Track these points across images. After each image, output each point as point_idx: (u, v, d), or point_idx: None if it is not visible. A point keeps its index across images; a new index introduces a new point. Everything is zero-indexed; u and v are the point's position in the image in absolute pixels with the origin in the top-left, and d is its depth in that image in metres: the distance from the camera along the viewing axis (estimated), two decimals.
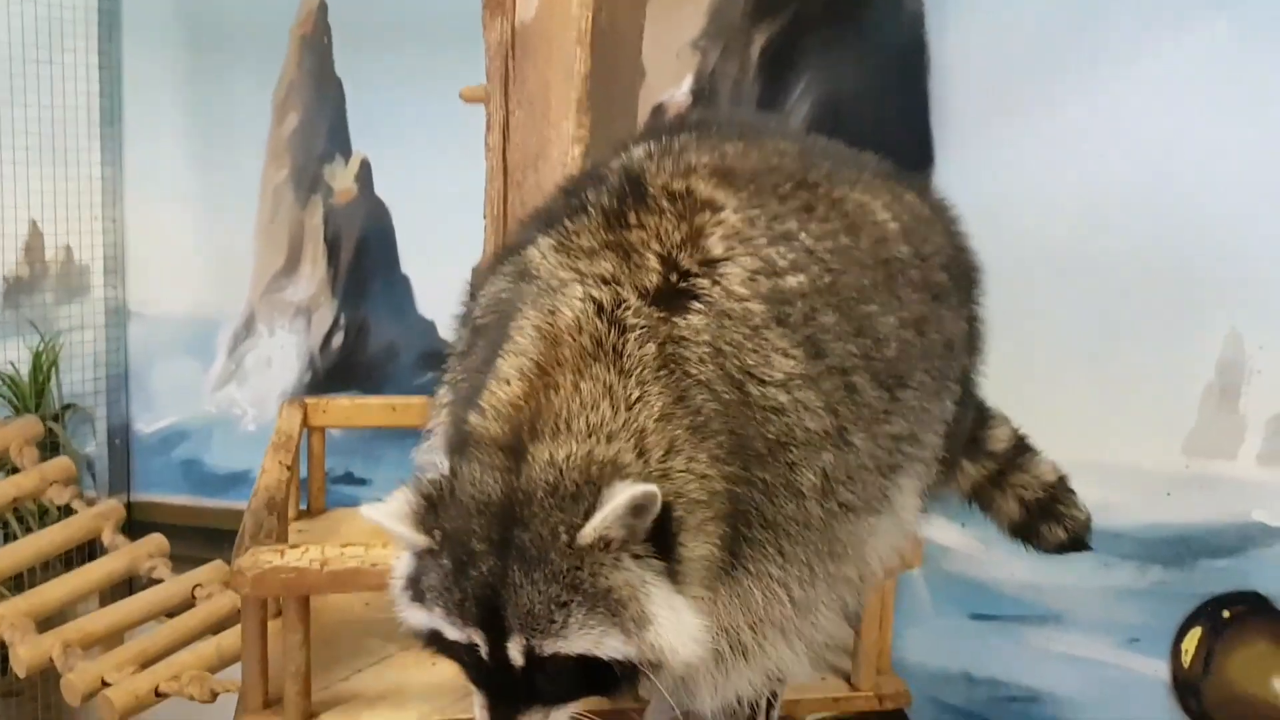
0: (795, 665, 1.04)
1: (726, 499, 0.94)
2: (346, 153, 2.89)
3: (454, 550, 0.92)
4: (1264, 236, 1.80)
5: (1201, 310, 1.85)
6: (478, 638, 0.93)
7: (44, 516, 2.87)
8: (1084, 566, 1.97)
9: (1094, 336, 1.94)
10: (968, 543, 2.10)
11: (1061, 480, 1.43)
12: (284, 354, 3.08)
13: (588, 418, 0.92)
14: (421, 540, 0.94)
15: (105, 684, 1.92)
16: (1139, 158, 1.87)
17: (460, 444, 0.97)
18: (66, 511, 2.67)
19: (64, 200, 3.22)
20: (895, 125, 2.07)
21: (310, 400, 1.76)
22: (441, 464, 0.97)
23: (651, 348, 0.95)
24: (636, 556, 0.90)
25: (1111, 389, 1.93)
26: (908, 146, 2.04)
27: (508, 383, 0.97)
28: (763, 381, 0.99)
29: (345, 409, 1.77)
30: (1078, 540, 1.42)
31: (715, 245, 1.03)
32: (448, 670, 1.04)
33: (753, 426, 0.97)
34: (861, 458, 1.05)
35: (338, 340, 2.99)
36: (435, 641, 0.98)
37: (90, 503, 2.73)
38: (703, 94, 2.27)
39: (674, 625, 0.89)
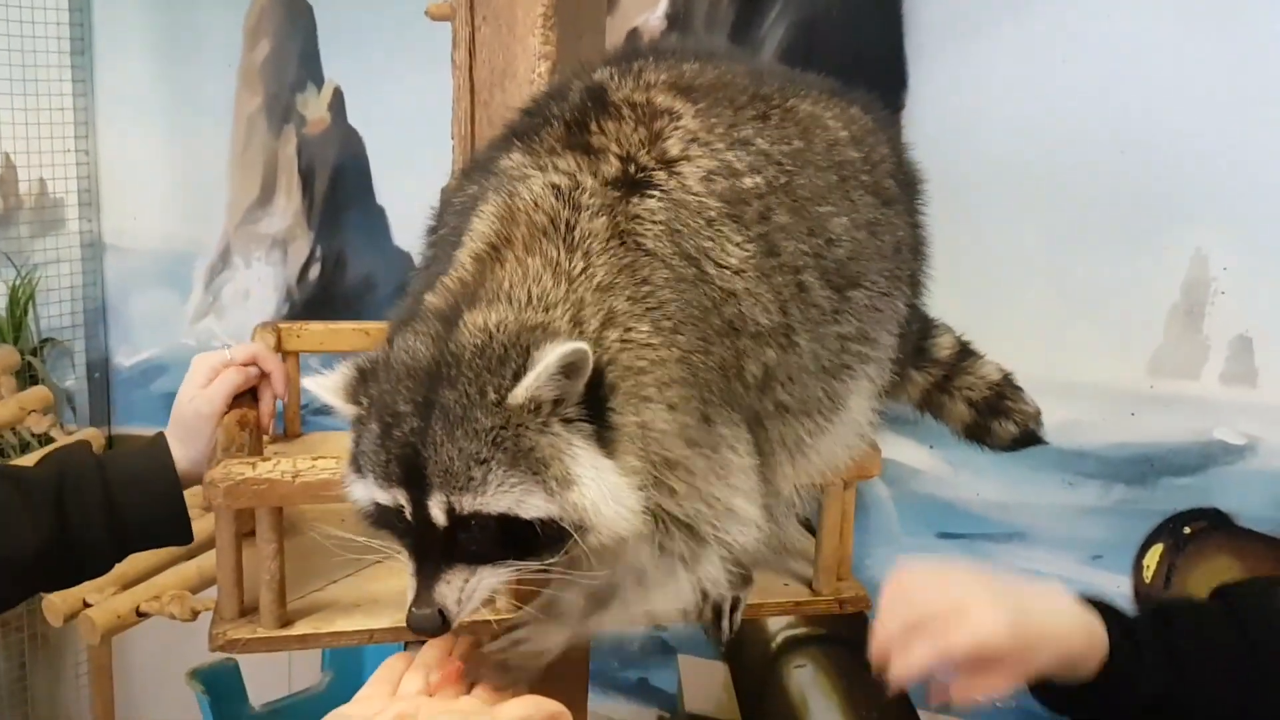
0: (713, 569, 1.06)
1: (678, 366, 0.96)
2: (319, 81, 2.87)
3: (380, 414, 0.94)
4: (1232, 156, 1.81)
5: (1168, 229, 1.87)
6: (401, 498, 0.94)
7: (25, 449, 2.89)
8: (1049, 486, 2.01)
9: (1060, 256, 1.96)
10: (936, 464, 2.13)
11: (1006, 378, 1.48)
12: (261, 286, 3.08)
13: (529, 288, 0.94)
14: (351, 409, 0.97)
15: (86, 605, 1.95)
16: (1107, 72, 1.87)
17: (407, 320, 0.99)
18: (45, 440, 2.69)
19: (36, 133, 3.20)
20: (869, 48, 2.06)
21: (284, 325, 1.76)
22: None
23: (603, 220, 0.98)
24: (566, 421, 0.91)
25: (1077, 309, 1.95)
26: (882, 69, 2.04)
27: (464, 266, 1.00)
28: (719, 264, 1.01)
29: (319, 333, 1.77)
30: (1029, 434, 1.46)
31: (673, 146, 1.06)
32: None
33: (710, 302, 1.00)
34: (804, 359, 1.08)
35: (314, 272, 2.99)
36: (375, 514, 1.00)
37: (70, 435, 2.75)
38: (678, 18, 2.26)
39: (598, 486, 0.90)
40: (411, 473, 0.92)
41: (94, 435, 2.77)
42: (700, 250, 1.01)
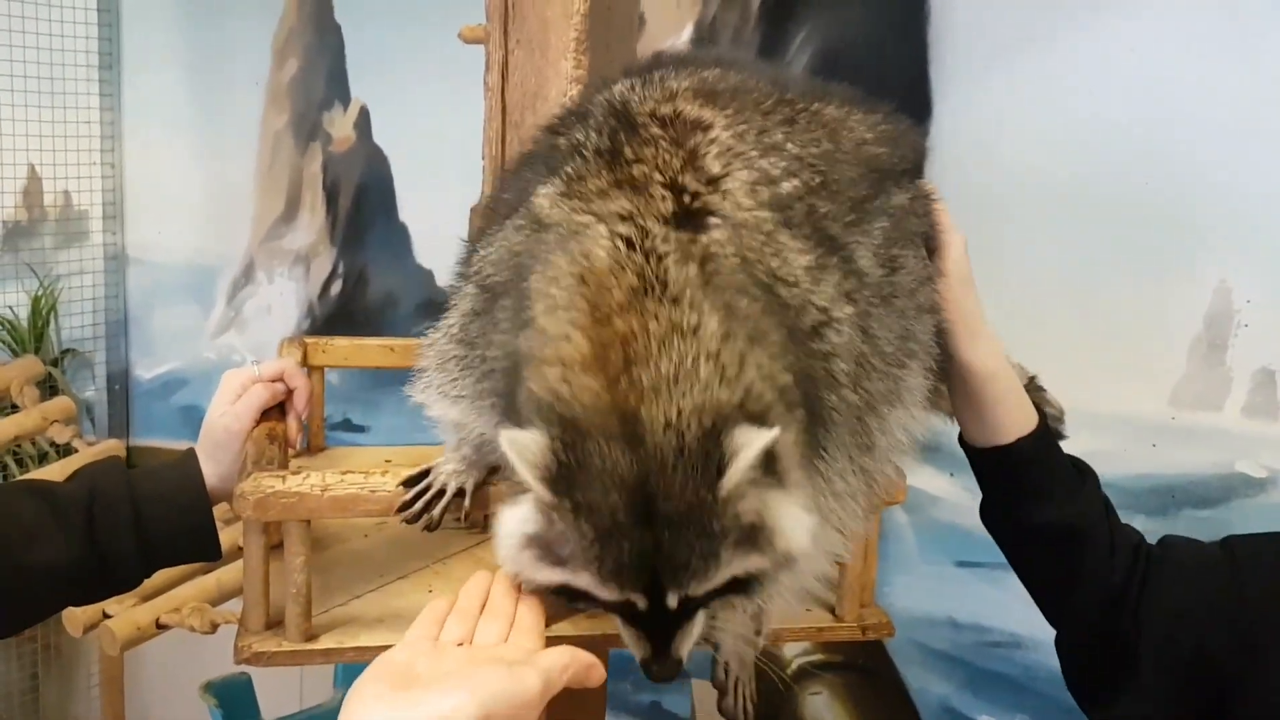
0: (835, 547, 1.09)
1: (794, 389, 0.98)
2: (345, 100, 2.89)
3: (596, 521, 0.93)
4: (1257, 189, 1.82)
5: (1192, 261, 1.87)
6: (637, 599, 0.96)
7: (44, 460, 2.90)
8: None
9: (1082, 286, 1.96)
10: (955, 491, 2.13)
11: (1031, 380, 1.47)
12: (283, 301, 3.10)
13: (671, 359, 0.92)
14: (553, 501, 0.95)
15: (106, 616, 1.96)
16: (1132, 102, 1.88)
17: (550, 404, 0.96)
18: (66, 451, 2.71)
19: (62, 145, 3.23)
20: (895, 74, 2.08)
21: (309, 339, 1.77)
22: (536, 426, 0.96)
23: (692, 268, 0.96)
24: (754, 482, 0.93)
25: (1100, 339, 1.95)
26: (906, 95, 2.05)
27: (566, 339, 0.95)
28: (787, 282, 1.02)
29: (344, 349, 1.78)
30: (1055, 433, 1.45)
31: (713, 163, 1.05)
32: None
33: (792, 324, 1.00)
34: (880, 345, 1.09)
35: (336, 288, 3.01)
36: (570, 593, 1.00)
37: (90, 445, 2.76)
38: (703, 43, 2.28)
39: (794, 527, 0.95)
40: (647, 578, 0.94)
41: (114, 447, 2.79)
42: (770, 273, 1.01)
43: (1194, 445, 1.91)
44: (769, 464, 0.94)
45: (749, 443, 0.90)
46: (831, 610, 1.41)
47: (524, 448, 0.94)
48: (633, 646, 1.00)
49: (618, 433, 0.92)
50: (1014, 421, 1.28)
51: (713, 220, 1.01)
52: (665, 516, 0.92)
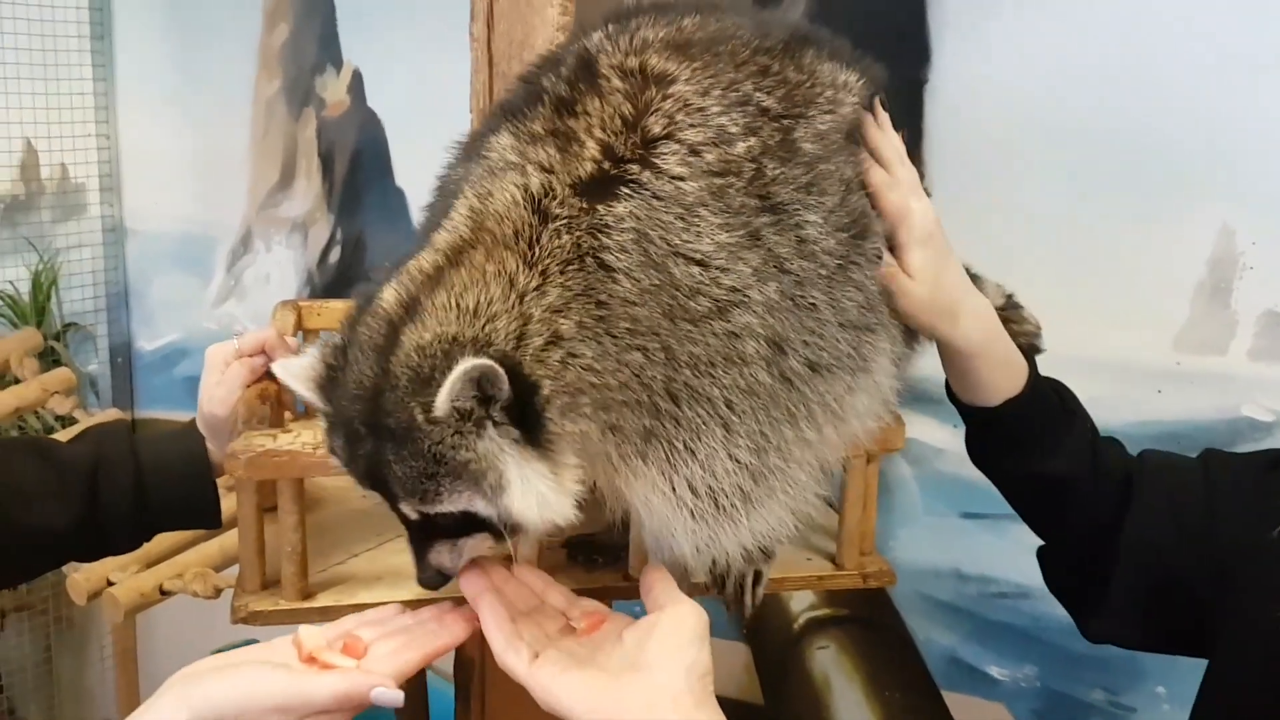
0: (772, 526, 1.07)
1: (627, 389, 0.98)
2: (338, 63, 2.86)
3: (343, 428, 1.01)
4: (1260, 129, 1.78)
5: (1194, 203, 1.84)
6: (378, 499, 1.03)
7: (48, 432, 2.91)
8: None
9: (1084, 231, 1.93)
10: (958, 443, 2.09)
11: (1009, 299, 1.46)
12: (282, 270, 3.09)
13: (475, 298, 0.96)
14: (323, 407, 1.03)
15: (110, 583, 1.97)
16: (1131, 43, 1.84)
17: (369, 300, 1.02)
18: (69, 422, 2.71)
19: (57, 117, 3.22)
20: (892, 21, 2.04)
21: (304, 303, 1.76)
22: (343, 326, 1.05)
23: (567, 239, 0.98)
24: (496, 424, 0.95)
25: (1102, 284, 1.93)
26: (905, 42, 2.02)
27: (431, 253, 1.01)
28: (690, 259, 1.00)
29: (339, 311, 1.76)
30: (1032, 348, 1.44)
31: (656, 123, 1.04)
32: None
33: (677, 307, 1.00)
34: (824, 313, 1.06)
35: (335, 255, 2.99)
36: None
37: (93, 418, 2.76)
38: None
39: (524, 492, 0.96)
40: (380, 483, 1.00)
41: (116, 415, 2.79)
42: (671, 250, 1.00)
43: (1199, 390, 1.89)
44: (521, 418, 0.95)
45: (460, 366, 0.91)
46: (832, 560, 1.40)
47: (290, 367, 1.05)
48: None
49: (378, 343, 0.98)
50: (1002, 388, 1.28)
51: (623, 190, 1.00)
52: (389, 430, 0.96)
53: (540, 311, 0.95)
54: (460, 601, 1.08)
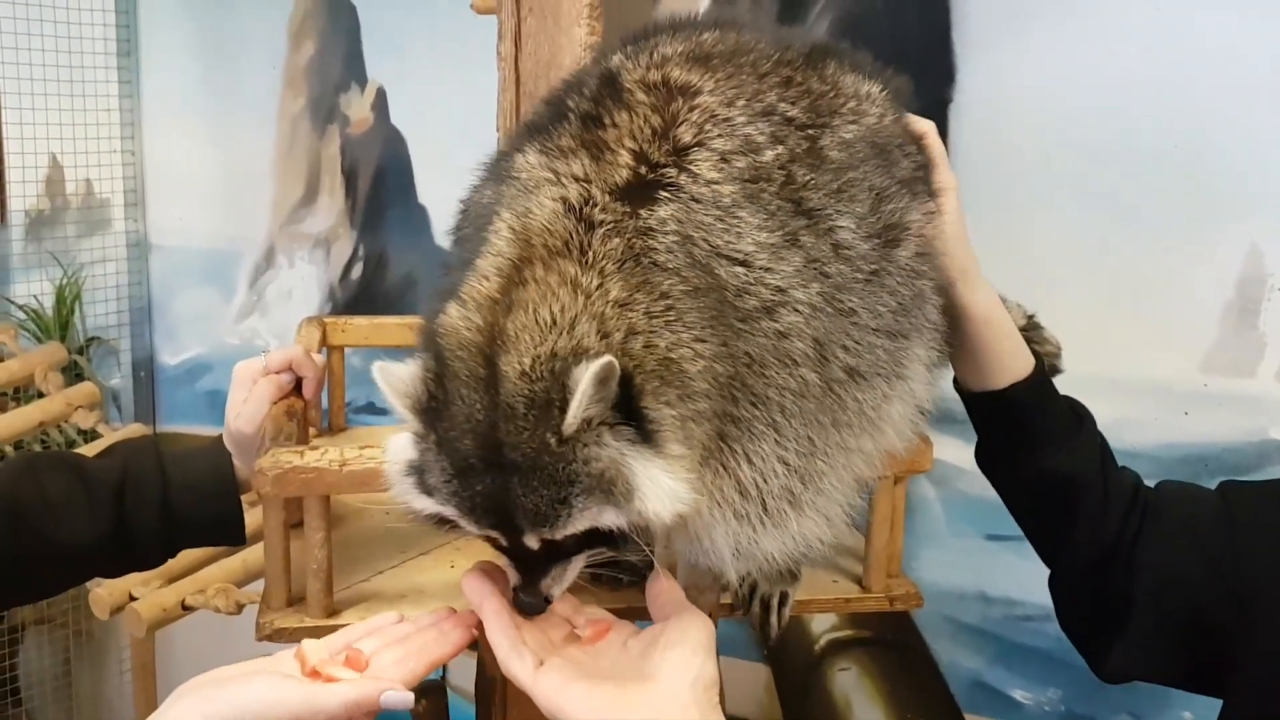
0: (815, 531, 1.06)
1: (702, 377, 0.97)
2: (362, 81, 2.88)
3: (454, 459, 0.96)
4: None
5: (1223, 224, 1.83)
6: (495, 534, 0.99)
7: (71, 446, 2.92)
8: None
9: (1111, 251, 1.93)
10: None
11: (1030, 319, 1.45)
12: (304, 285, 3.10)
13: (550, 310, 0.94)
14: (423, 431, 0.98)
15: (132, 598, 1.97)
16: (1158, 64, 1.84)
17: (436, 336, 0.99)
18: (92, 436, 2.72)
19: (83, 133, 3.24)
20: (917, 41, 2.04)
21: (329, 319, 1.77)
22: (419, 355, 1.00)
23: (617, 241, 0.97)
24: (611, 426, 0.93)
25: (1129, 305, 1.92)
26: (930, 62, 2.02)
27: (486, 279, 0.99)
28: (734, 260, 1.00)
29: (363, 328, 1.78)
30: (1052, 369, 1.43)
31: (686, 132, 1.03)
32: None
33: (728, 306, 0.99)
34: (862, 317, 1.06)
35: (357, 271, 3.00)
36: (446, 524, 1.02)
37: (116, 432, 2.78)
38: (721, 5, 2.25)
39: (654, 491, 0.93)
40: (501, 517, 0.96)
41: (139, 429, 2.80)
42: (714, 251, 0.99)
43: (1227, 412, 1.88)
44: (636, 421, 0.93)
45: (586, 371, 0.89)
46: (859, 582, 1.39)
47: (392, 376, 0.98)
48: (509, 573, 1.03)
49: (481, 375, 0.95)
50: (1009, 367, 1.28)
51: (662, 195, 1.00)
52: (513, 463, 0.93)
53: (610, 307, 0.94)
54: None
